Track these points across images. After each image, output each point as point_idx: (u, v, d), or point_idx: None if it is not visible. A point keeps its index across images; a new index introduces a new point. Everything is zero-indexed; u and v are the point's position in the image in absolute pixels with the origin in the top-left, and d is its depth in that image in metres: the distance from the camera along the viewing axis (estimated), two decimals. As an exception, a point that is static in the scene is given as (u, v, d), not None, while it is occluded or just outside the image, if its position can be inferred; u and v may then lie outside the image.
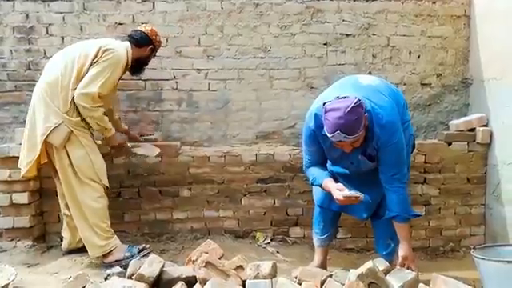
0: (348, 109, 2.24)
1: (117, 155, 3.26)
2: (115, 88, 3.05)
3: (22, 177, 2.96)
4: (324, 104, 2.36)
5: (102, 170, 2.92)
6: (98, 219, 2.85)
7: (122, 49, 2.93)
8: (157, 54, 3.20)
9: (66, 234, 3.08)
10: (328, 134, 2.32)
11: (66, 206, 2.98)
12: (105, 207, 2.91)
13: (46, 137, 2.78)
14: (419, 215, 2.71)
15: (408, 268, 2.49)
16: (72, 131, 2.81)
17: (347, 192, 2.42)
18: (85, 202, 2.84)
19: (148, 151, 3.22)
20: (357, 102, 2.28)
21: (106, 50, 2.83)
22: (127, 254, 2.84)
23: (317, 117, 2.45)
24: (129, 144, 3.17)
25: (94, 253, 2.87)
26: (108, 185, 2.96)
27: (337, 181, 2.58)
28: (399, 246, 2.59)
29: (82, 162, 2.84)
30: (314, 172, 2.64)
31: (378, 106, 2.42)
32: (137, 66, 3.07)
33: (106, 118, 2.91)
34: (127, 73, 3.10)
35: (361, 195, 2.43)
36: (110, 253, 2.86)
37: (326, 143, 2.52)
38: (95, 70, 2.80)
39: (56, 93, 2.81)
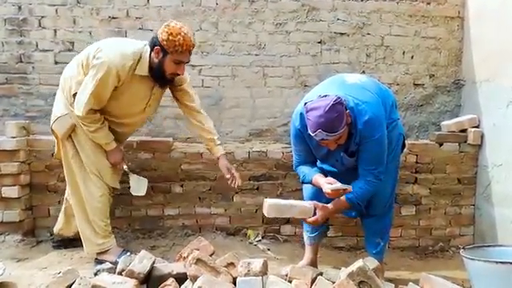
0: (327, 107, 2.26)
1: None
2: (140, 104, 2.75)
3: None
4: (305, 104, 2.38)
5: (105, 169, 2.79)
6: (97, 217, 2.80)
7: (112, 56, 2.53)
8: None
9: (61, 217, 3.05)
10: (311, 133, 2.35)
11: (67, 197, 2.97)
12: (106, 206, 2.84)
13: (52, 125, 2.77)
14: (360, 210, 2.69)
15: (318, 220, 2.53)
16: (76, 125, 2.74)
17: (335, 185, 2.43)
18: (86, 198, 2.78)
19: (136, 187, 2.97)
20: (336, 99, 2.30)
21: (95, 55, 2.57)
22: (118, 261, 2.68)
23: (302, 116, 2.47)
24: (125, 168, 2.90)
25: (90, 249, 2.83)
26: (113, 185, 2.86)
27: (326, 176, 2.60)
28: (326, 207, 2.55)
29: (87, 156, 2.76)
30: (304, 170, 2.66)
31: (361, 101, 2.43)
32: (154, 74, 2.63)
33: (100, 134, 2.68)
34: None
35: (349, 187, 2.44)
36: (105, 252, 2.82)
37: (312, 142, 2.54)
38: (85, 80, 2.60)
39: (66, 85, 2.75)
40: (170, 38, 2.49)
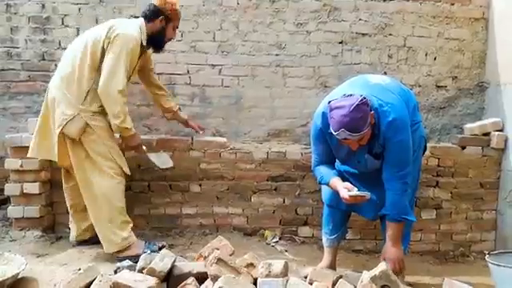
0: (353, 106, 2.24)
1: (128, 150, 3.07)
2: (130, 73, 2.88)
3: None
4: (329, 102, 2.36)
5: (121, 158, 2.87)
6: (117, 212, 2.82)
7: (134, 30, 2.79)
8: (176, 33, 3.07)
9: (72, 225, 3.08)
10: (333, 132, 2.32)
11: (73, 198, 3.00)
12: (123, 198, 2.87)
13: (63, 128, 2.74)
14: (411, 220, 2.59)
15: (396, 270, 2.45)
16: (87, 123, 2.75)
17: (353, 192, 2.40)
18: (106, 196, 2.79)
19: (161, 161, 3.12)
20: (362, 99, 2.27)
21: (114, 32, 2.72)
22: (146, 251, 2.73)
23: (324, 115, 2.45)
24: (144, 148, 3.04)
25: (111, 249, 2.82)
26: (129, 172, 2.92)
27: (344, 180, 2.57)
28: (384, 246, 2.55)
29: (99, 154, 2.78)
30: (322, 171, 2.64)
31: (385, 103, 2.40)
32: (154, 41, 2.93)
33: (129, 118, 2.79)
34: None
35: (367, 194, 2.41)
36: (126, 248, 2.82)
37: (333, 142, 2.52)
38: (110, 63, 2.69)
39: (71, 84, 2.76)
40: (173, 7, 2.92)
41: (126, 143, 2.91)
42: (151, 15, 2.89)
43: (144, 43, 2.87)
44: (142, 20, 2.89)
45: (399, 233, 2.53)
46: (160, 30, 2.90)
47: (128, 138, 2.86)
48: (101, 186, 2.79)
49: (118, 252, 2.82)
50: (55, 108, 2.79)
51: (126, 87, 2.76)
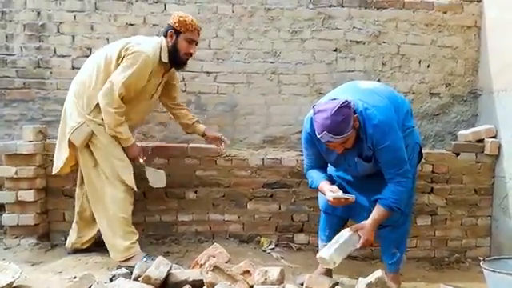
0: (334, 109, 2.29)
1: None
2: (152, 90, 2.93)
3: (54, 175, 2.97)
4: (313, 106, 2.42)
5: (124, 171, 2.84)
6: (123, 223, 2.83)
7: (148, 46, 2.79)
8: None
9: (72, 232, 3.06)
10: (317, 135, 2.36)
11: (82, 205, 2.99)
12: (130, 211, 2.88)
13: (70, 136, 2.79)
14: (403, 211, 2.58)
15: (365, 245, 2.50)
16: (93, 132, 2.78)
17: (336, 194, 2.45)
18: (110, 205, 2.81)
19: (154, 179, 3.06)
20: (344, 102, 2.32)
21: (127, 49, 2.75)
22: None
23: (312, 120, 2.48)
24: (142, 161, 2.99)
25: (117, 256, 2.83)
26: (133, 186, 2.88)
27: (333, 183, 2.60)
28: (364, 222, 2.51)
29: (105, 164, 2.81)
30: (313, 175, 2.68)
31: (371, 105, 2.43)
32: (171, 57, 2.88)
33: (124, 128, 2.80)
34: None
35: (352, 197, 2.46)
36: (129, 258, 2.83)
37: (321, 146, 2.55)
38: (117, 71, 2.74)
39: (82, 93, 2.82)
40: (181, 19, 2.84)
41: (126, 153, 2.91)
42: (164, 32, 2.90)
43: (165, 60, 2.86)
44: (162, 38, 2.88)
45: (382, 220, 2.52)
46: (173, 44, 2.86)
47: (127, 149, 2.89)
48: (107, 195, 2.81)
49: (122, 261, 2.82)
50: (66, 117, 2.86)
51: (120, 94, 2.75)
